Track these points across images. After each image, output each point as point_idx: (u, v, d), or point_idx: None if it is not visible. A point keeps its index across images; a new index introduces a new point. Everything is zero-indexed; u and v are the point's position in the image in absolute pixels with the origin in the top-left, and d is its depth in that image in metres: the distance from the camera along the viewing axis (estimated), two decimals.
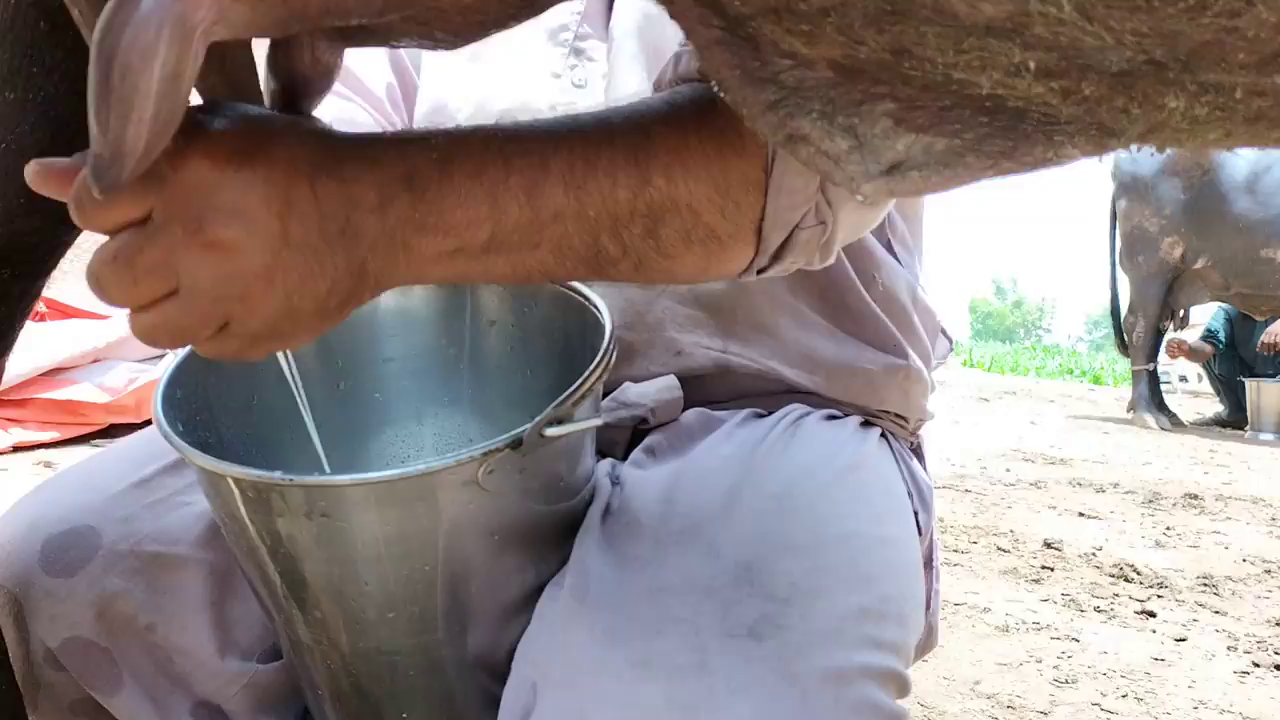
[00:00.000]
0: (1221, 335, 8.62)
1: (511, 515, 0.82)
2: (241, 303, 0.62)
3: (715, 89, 0.57)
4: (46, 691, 0.98)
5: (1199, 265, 7.86)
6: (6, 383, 0.84)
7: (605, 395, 1.05)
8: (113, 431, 4.05)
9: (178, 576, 0.96)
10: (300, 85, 0.66)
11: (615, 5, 1.16)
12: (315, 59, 0.67)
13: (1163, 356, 8.51)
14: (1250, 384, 7.96)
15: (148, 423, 0.87)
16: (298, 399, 0.84)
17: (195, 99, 0.63)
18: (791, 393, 1.09)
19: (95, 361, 4.20)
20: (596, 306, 0.90)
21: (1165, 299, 8.12)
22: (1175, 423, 8.02)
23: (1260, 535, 3.98)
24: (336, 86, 0.83)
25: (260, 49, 0.68)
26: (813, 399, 1.09)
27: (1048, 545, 3.56)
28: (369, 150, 0.66)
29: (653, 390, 1.05)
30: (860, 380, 1.09)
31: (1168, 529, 3.99)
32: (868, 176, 0.57)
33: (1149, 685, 2.35)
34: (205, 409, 0.90)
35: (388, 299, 1.01)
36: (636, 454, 1.02)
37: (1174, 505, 4.51)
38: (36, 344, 3.95)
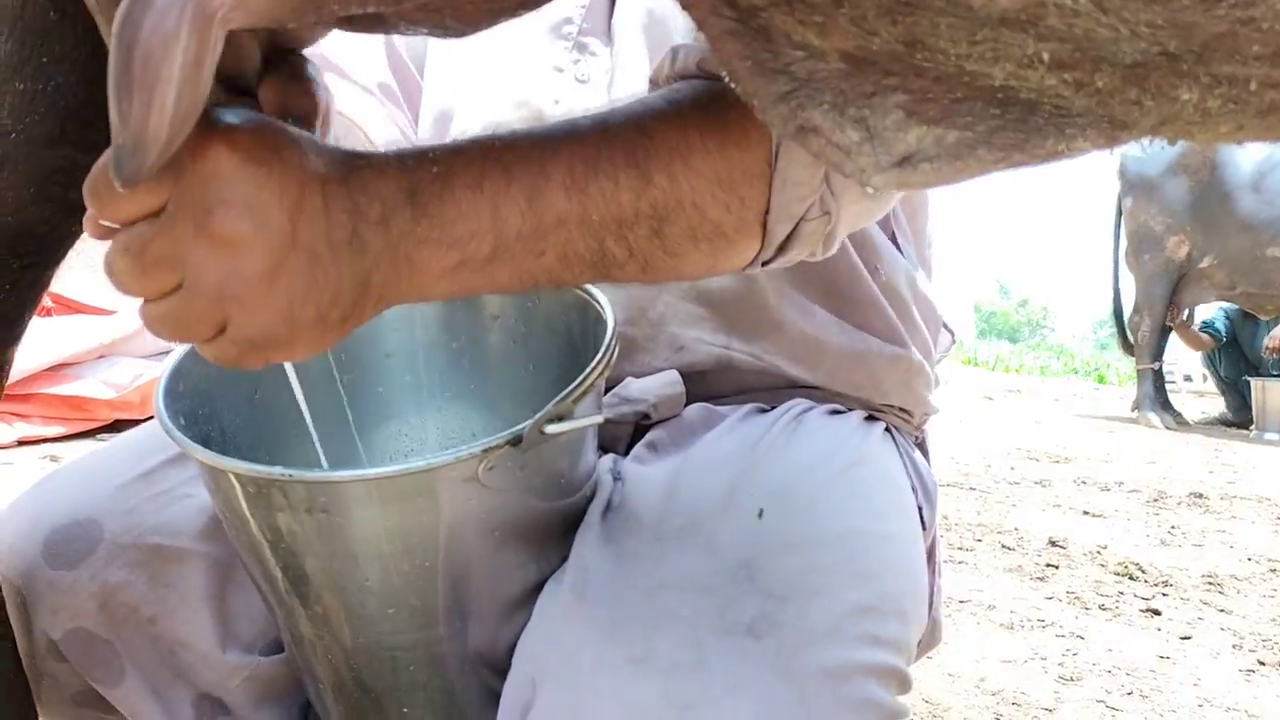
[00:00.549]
0: (1221, 330, 8.60)
1: (512, 511, 0.82)
2: (241, 304, 0.61)
3: (725, 80, 0.57)
4: (49, 683, 0.98)
5: (1204, 264, 7.84)
6: (12, 377, 0.84)
7: (607, 391, 1.05)
8: (118, 427, 4.05)
9: (180, 569, 0.96)
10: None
11: (618, 1, 1.15)
12: (300, 36, 0.68)
13: (1168, 354, 8.48)
14: (1255, 383, 7.94)
15: (152, 418, 0.87)
16: (296, 394, 0.83)
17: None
18: (794, 387, 1.09)
19: (101, 357, 4.20)
20: (599, 301, 0.90)
21: (1170, 298, 8.11)
22: (1180, 422, 8.00)
23: (1265, 534, 3.97)
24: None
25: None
26: (816, 393, 1.08)
27: (1052, 543, 3.56)
28: (373, 163, 0.66)
29: (655, 385, 1.05)
30: (864, 372, 1.09)
31: (1172, 528, 3.98)
32: (879, 168, 0.57)
33: (1154, 683, 2.35)
34: (207, 403, 0.90)
35: None
36: (638, 449, 1.02)
37: (1179, 504, 4.51)
38: (42, 339, 3.95)
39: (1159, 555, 3.51)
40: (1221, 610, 2.93)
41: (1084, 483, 4.93)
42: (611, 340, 0.84)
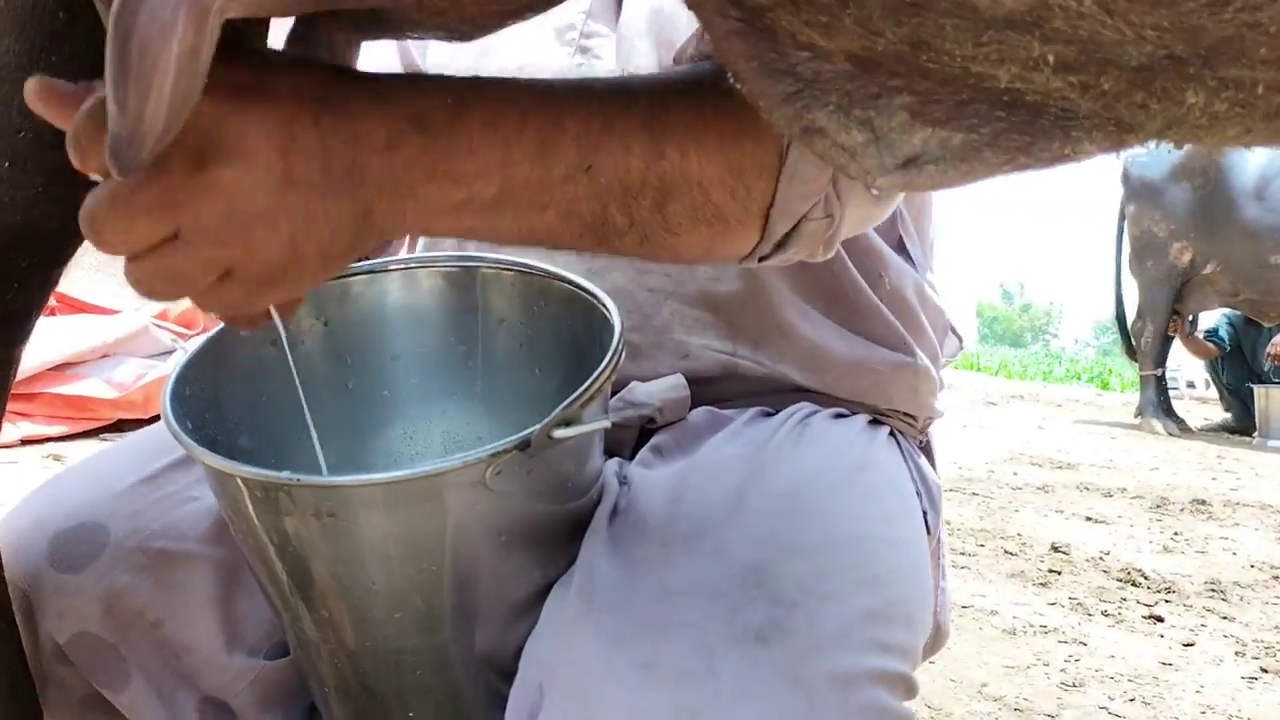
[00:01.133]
0: (1225, 338, 8.59)
1: (519, 516, 0.81)
2: (244, 246, 0.59)
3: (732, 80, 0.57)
4: (56, 686, 0.98)
5: (1208, 270, 7.84)
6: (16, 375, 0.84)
7: (613, 395, 1.04)
8: (121, 427, 4.07)
9: (185, 572, 0.96)
10: None
11: (624, 2, 1.15)
12: (332, 53, 0.67)
13: (1171, 360, 8.48)
14: (1258, 390, 7.93)
15: (156, 418, 0.87)
16: (301, 399, 0.83)
17: None
18: (799, 392, 1.09)
19: (104, 357, 4.21)
20: (606, 305, 0.89)
21: (1173, 304, 8.11)
22: (1183, 428, 8.00)
23: (1268, 541, 3.97)
24: None
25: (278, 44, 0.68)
26: (821, 398, 1.08)
27: (1055, 549, 3.55)
28: (379, 87, 0.64)
29: (660, 389, 1.05)
30: (869, 380, 1.09)
31: (1175, 534, 3.98)
32: (884, 170, 0.57)
33: (1156, 689, 2.34)
34: (214, 406, 0.90)
35: (396, 296, 1.00)
36: (644, 453, 1.02)
37: (1182, 510, 4.50)
38: (46, 338, 3.96)
39: (1162, 561, 3.51)
40: (1224, 617, 2.93)
41: (1087, 488, 4.92)
42: (618, 344, 0.84)
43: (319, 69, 0.63)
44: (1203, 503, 4.68)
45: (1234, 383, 8.61)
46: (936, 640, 1.15)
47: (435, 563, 0.79)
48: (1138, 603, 3.00)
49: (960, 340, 1.27)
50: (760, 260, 0.79)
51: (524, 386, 1.01)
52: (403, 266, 1.00)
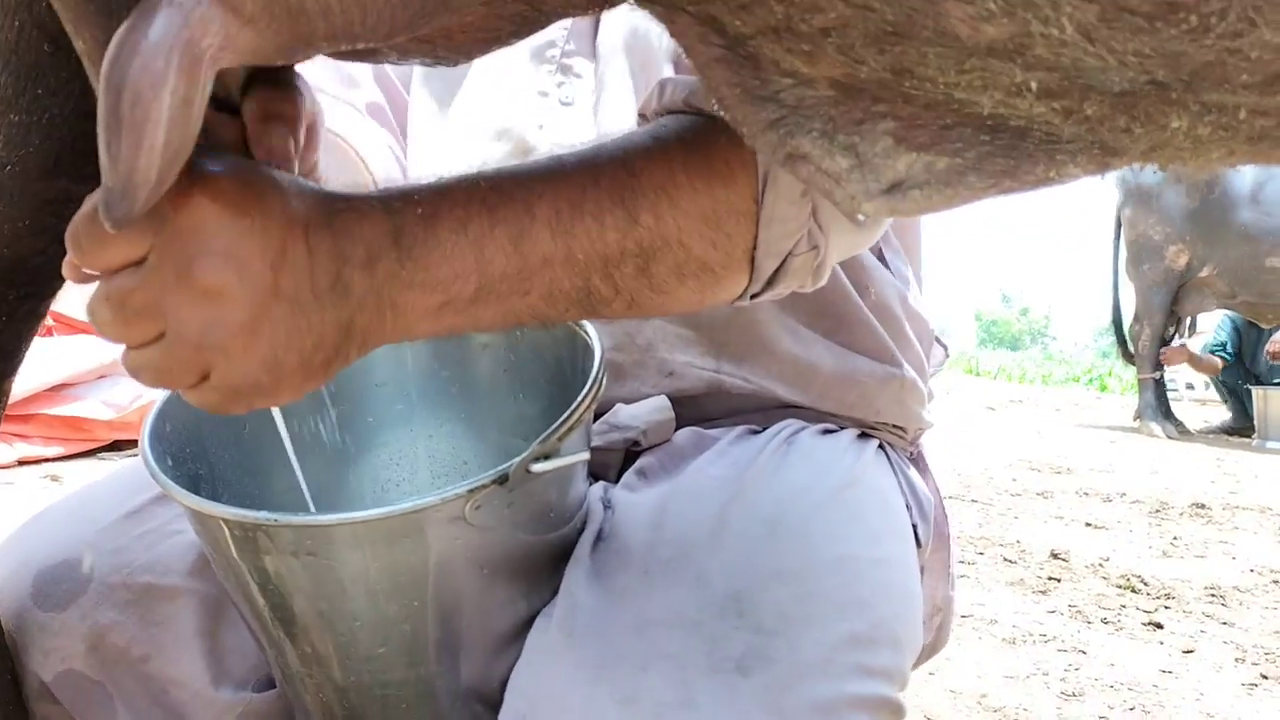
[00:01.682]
0: (1230, 348, 8.58)
1: (501, 548, 0.81)
2: (224, 354, 0.61)
3: (713, 115, 0.56)
4: None
5: (1204, 274, 7.85)
6: (12, 397, 0.85)
7: (597, 418, 1.04)
8: (118, 447, 4.06)
9: (170, 607, 0.95)
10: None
11: (602, 22, 1.15)
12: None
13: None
14: (1257, 392, 7.93)
15: None
16: (281, 434, 0.83)
17: None
18: (786, 408, 1.08)
19: (101, 377, 4.20)
20: (587, 331, 0.89)
21: (1170, 307, 8.11)
22: (1182, 431, 8.00)
23: (1268, 545, 3.96)
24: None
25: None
26: (808, 414, 1.08)
27: (1054, 556, 3.54)
28: (357, 205, 0.65)
29: (644, 412, 1.04)
30: (855, 392, 1.08)
31: (1175, 539, 3.97)
32: (868, 195, 0.56)
33: (1156, 698, 2.33)
34: (196, 440, 0.90)
35: None
36: (628, 476, 1.01)
37: (1181, 515, 4.50)
38: (42, 359, 3.94)
39: (1161, 567, 3.50)
40: (1224, 623, 2.92)
41: (1086, 494, 4.92)
42: (599, 371, 0.84)
43: (309, 189, 0.65)
44: (1202, 506, 4.68)
45: (1233, 385, 8.61)
46: (938, 641, 1.15)
47: (418, 597, 0.78)
48: (1137, 609, 2.99)
49: (945, 349, 1.27)
50: (753, 298, 0.78)
51: (508, 411, 1.00)
52: None
